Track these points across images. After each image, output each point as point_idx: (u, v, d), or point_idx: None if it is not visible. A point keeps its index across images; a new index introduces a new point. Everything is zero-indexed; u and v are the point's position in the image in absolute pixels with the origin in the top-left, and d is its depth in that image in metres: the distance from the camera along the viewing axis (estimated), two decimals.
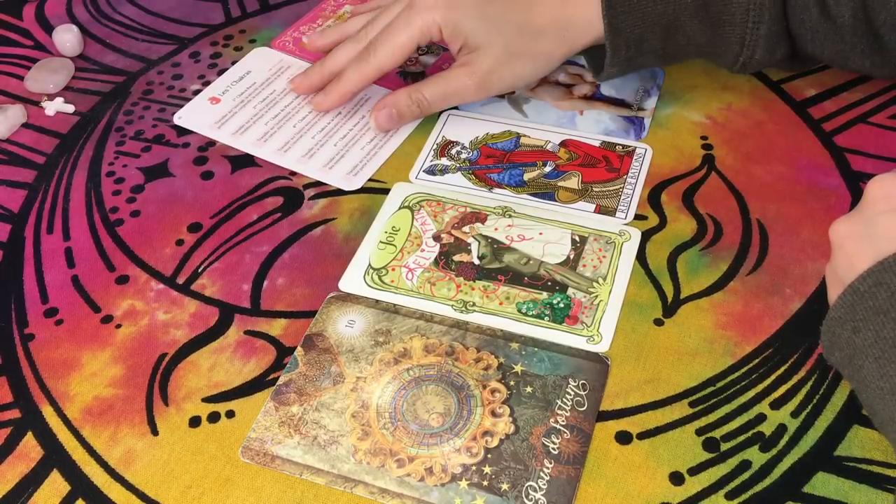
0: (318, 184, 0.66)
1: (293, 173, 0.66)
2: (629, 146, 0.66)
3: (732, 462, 0.49)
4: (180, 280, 0.60)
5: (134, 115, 0.73)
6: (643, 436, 0.50)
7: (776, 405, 0.51)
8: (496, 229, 0.61)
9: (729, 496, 0.47)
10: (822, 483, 0.48)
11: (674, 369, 0.53)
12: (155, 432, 0.52)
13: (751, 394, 0.51)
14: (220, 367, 0.55)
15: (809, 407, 0.51)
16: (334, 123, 0.70)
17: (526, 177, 0.64)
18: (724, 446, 0.49)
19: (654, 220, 0.61)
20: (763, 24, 0.62)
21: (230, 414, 0.52)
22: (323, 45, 0.72)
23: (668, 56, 0.66)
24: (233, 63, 0.76)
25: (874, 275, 0.43)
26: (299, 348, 0.55)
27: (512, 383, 0.52)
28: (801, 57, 0.66)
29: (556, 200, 0.63)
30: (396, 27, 0.65)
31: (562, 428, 0.50)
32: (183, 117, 0.71)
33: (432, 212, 0.62)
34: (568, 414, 0.51)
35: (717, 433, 0.50)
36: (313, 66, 0.71)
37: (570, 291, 0.57)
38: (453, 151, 0.67)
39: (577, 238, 0.60)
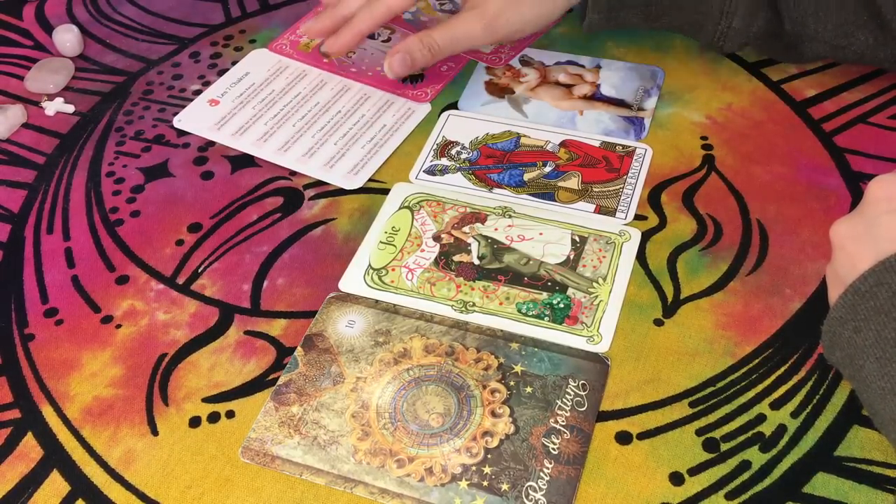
0: (318, 184, 0.66)
1: (293, 173, 0.66)
2: (629, 146, 0.66)
3: (732, 462, 0.49)
4: (180, 280, 0.60)
5: (134, 115, 0.72)
6: (643, 436, 0.50)
7: (776, 405, 0.51)
8: (496, 229, 0.61)
9: (729, 496, 0.47)
10: (822, 483, 0.47)
11: (674, 369, 0.53)
12: (155, 432, 0.52)
13: (751, 394, 0.51)
14: (220, 367, 0.55)
15: (809, 407, 0.51)
16: (334, 123, 0.70)
17: (526, 177, 0.64)
18: (724, 446, 0.49)
19: (654, 220, 0.61)
20: None
21: (230, 414, 0.52)
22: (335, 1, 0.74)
23: (652, 17, 0.68)
24: (233, 63, 0.76)
25: (875, 274, 0.43)
26: (299, 348, 0.55)
27: (512, 383, 0.52)
28: (795, 37, 0.66)
29: (556, 200, 0.63)
30: None
31: (562, 428, 0.50)
32: (182, 120, 0.71)
33: (432, 212, 0.62)
34: (568, 414, 0.51)
35: (717, 433, 0.50)
36: (325, 11, 0.72)
37: (570, 292, 0.57)
38: (453, 151, 0.67)
39: (577, 238, 0.60)
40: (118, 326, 0.57)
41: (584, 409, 0.51)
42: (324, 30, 0.72)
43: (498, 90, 0.72)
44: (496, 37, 0.69)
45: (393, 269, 0.59)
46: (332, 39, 0.70)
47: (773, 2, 0.65)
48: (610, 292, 0.57)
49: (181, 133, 0.70)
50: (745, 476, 0.48)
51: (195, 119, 0.71)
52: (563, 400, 0.51)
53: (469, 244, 0.60)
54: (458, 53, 0.71)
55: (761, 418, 0.50)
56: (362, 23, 0.69)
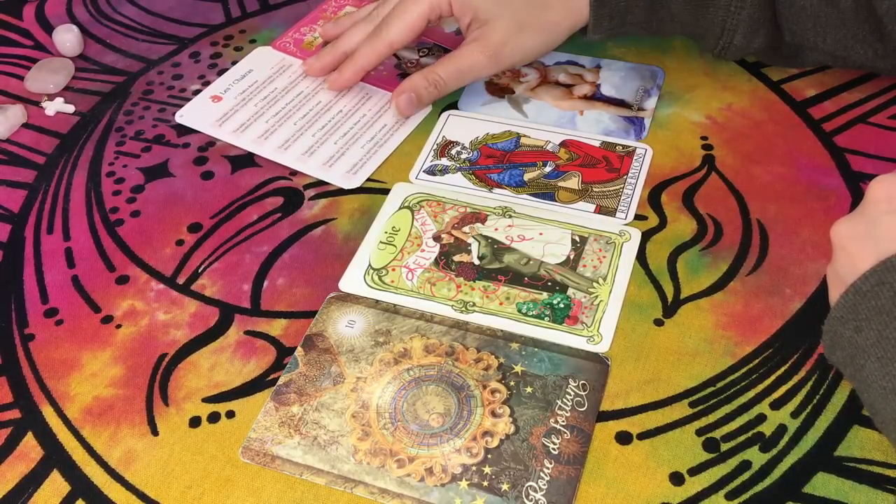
0: (318, 184, 0.66)
1: (293, 173, 0.66)
2: (629, 146, 0.66)
3: (732, 462, 0.49)
4: (180, 280, 0.60)
5: (134, 115, 0.72)
6: (643, 436, 0.50)
7: (776, 405, 0.51)
8: (496, 229, 0.61)
9: (729, 496, 0.47)
10: (823, 483, 0.47)
11: (674, 369, 0.53)
12: (155, 432, 0.52)
13: (751, 394, 0.51)
14: (221, 367, 0.55)
15: (809, 407, 0.51)
16: (335, 122, 0.70)
17: (526, 177, 0.64)
18: (725, 446, 0.49)
19: (654, 220, 0.61)
20: (745, 9, 0.64)
21: (230, 414, 0.52)
22: (337, 34, 0.74)
23: (654, 30, 0.69)
24: (233, 63, 0.76)
25: (877, 274, 0.43)
26: (299, 348, 0.55)
27: (512, 383, 0.52)
28: (795, 48, 0.67)
29: (556, 200, 0.63)
30: (407, 3, 0.67)
31: (562, 428, 0.50)
32: (185, 115, 0.71)
33: (432, 212, 0.62)
34: (568, 414, 0.51)
35: (718, 433, 0.50)
36: (326, 48, 0.73)
37: (570, 292, 0.57)
38: (453, 151, 0.67)
39: (577, 238, 0.60)
40: (118, 326, 0.57)
41: (584, 409, 0.51)
42: (325, 67, 0.72)
43: (498, 90, 0.72)
44: (500, 67, 0.68)
45: (393, 269, 0.59)
46: (334, 76, 0.71)
47: (773, 19, 0.65)
48: (610, 292, 0.57)
49: (181, 133, 0.70)
50: (746, 476, 0.48)
51: (197, 115, 0.71)
52: (564, 400, 0.51)
53: (469, 244, 0.60)
54: (465, 85, 0.70)
55: (761, 418, 0.50)
56: (364, 59, 0.69)
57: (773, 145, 0.66)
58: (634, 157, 0.65)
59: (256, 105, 0.72)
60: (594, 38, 0.69)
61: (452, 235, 0.61)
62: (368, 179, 0.65)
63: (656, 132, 0.67)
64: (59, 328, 0.58)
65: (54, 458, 0.51)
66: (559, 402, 0.51)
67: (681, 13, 0.66)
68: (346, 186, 0.65)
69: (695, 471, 0.48)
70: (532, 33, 0.67)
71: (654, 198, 0.62)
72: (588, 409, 0.51)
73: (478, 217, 0.62)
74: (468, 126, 0.69)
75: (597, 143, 0.66)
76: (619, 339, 0.54)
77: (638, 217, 0.61)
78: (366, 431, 0.51)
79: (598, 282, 0.57)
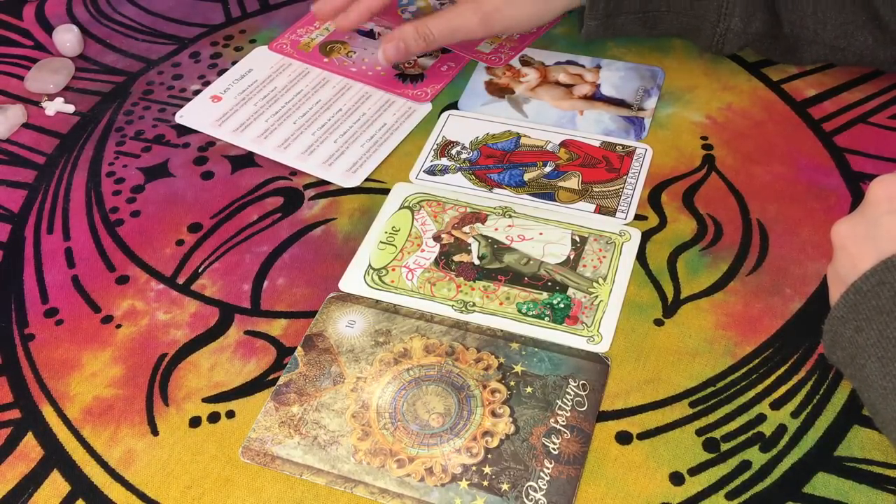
0: (318, 184, 0.66)
1: (293, 173, 0.66)
2: (629, 146, 0.66)
3: (732, 462, 0.49)
4: (180, 280, 0.60)
5: (134, 115, 0.72)
6: (643, 436, 0.50)
7: (776, 405, 0.51)
8: (496, 229, 0.61)
9: (729, 496, 0.47)
10: (823, 483, 0.48)
11: (674, 369, 0.53)
12: (155, 432, 0.52)
13: (751, 394, 0.51)
14: (221, 367, 0.55)
15: (809, 407, 0.51)
16: (334, 121, 0.70)
17: (526, 177, 0.64)
18: (725, 446, 0.49)
19: (654, 220, 0.61)
20: None
21: (230, 414, 0.52)
22: None
23: (649, 23, 0.69)
24: (233, 63, 0.76)
25: (877, 274, 0.43)
26: (299, 348, 0.55)
27: (512, 383, 0.52)
28: (794, 40, 0.67)
29: (556, 200, 0.63)
30: None
31: (562, 428, 0.50)
32: (185, 116, 0.71)
33: (432, 212, 0.62)
34: (568, 414, 0.51)
35: (717, 433, 0.50)
36: None
37: (570, 291, 0.57)
38: (453, 151, 0.67)
39: (577, 238, 0.60)
40: (118, 326, 0.57)
41: (584, 409, 0.51)
42: (335, 7, 0.73)
43: (498, 90, 0.72)
44: (491, 31, 0.71)
45: (393, 269, 0.59)
46: (341, 17, 0.73)
47: (770, 4, 0.65)
48: (610, 292, 0.57)
49: (181, 133, 0.70)
50: (746, 476, 0.48)
51: (197, 115, 0.71)
52: (564, 400, 0.51)
53: (469, 244, 0.60)
54: (453, 44, 0.73)
55: (761, 418, 0.50)
56: (370, 1, 0.71)
57: (773, 145, 0.66)
58: (634, 157, 0.65)
59: (256, 104, 0.72)
60: (591, 24, 0.69)
61: (452, 235, 0.61)
62: (368, 179, 0.65)
63: (656, 132, 0.67)
64: (59, 328, 0.58)
65: (54, 458, 0.51)
66: (559, 402, 0.51)
67: (676, 0, 0.67)
68: (346, 185, 0.65)
69: (695, 471, 0.48)
70: (525, 3, 0.69)
71: (654, 198, 0.63)
72: (588, 409, 0.51)
73: (478, 217, 0.62)
74: (468, 126, 0.69)
75: (597, 143, 0.66)
76: (619, 339, 0.54)
77: (638, 217, 0.61)
78: (366, 431, 0.51)
79: (598, 282, 0.57)
